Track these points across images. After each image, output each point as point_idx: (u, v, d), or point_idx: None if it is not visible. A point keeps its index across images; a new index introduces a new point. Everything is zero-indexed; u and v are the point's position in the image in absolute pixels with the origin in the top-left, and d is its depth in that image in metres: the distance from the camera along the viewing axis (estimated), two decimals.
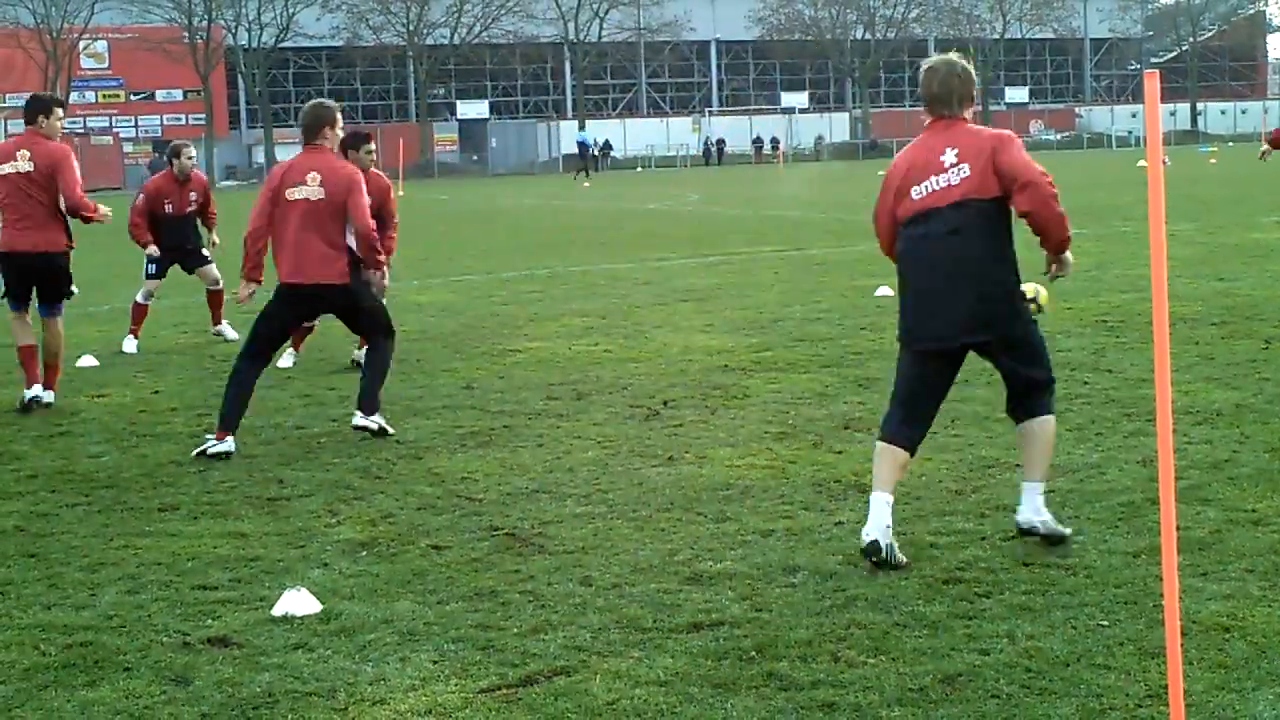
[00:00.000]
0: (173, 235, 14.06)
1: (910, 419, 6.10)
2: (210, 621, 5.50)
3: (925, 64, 6.20)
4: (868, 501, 6.02)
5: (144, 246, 14.01)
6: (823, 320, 13.51)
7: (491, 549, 6.36)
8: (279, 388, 10.91)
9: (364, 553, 6.38)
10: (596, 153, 77.43)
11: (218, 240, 14.47)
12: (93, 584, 6.03)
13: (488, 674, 4.87)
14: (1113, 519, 6.41)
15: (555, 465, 7.98)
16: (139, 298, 14.05)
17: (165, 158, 14.83)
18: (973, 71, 6.17)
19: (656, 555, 6.17)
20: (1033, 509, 6.10)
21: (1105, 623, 5.10)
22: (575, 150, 76.37)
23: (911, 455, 6.12)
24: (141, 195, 14.23)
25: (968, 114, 6.15)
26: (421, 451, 8.46)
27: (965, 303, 5.98)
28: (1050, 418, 6.20)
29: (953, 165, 5.94)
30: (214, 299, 14.25)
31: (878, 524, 5.86)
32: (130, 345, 13.52)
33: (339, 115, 8.90)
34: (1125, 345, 11.26)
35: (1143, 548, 5.94)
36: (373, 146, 11.28)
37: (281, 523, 6.95)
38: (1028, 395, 6.21)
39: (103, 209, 10.52)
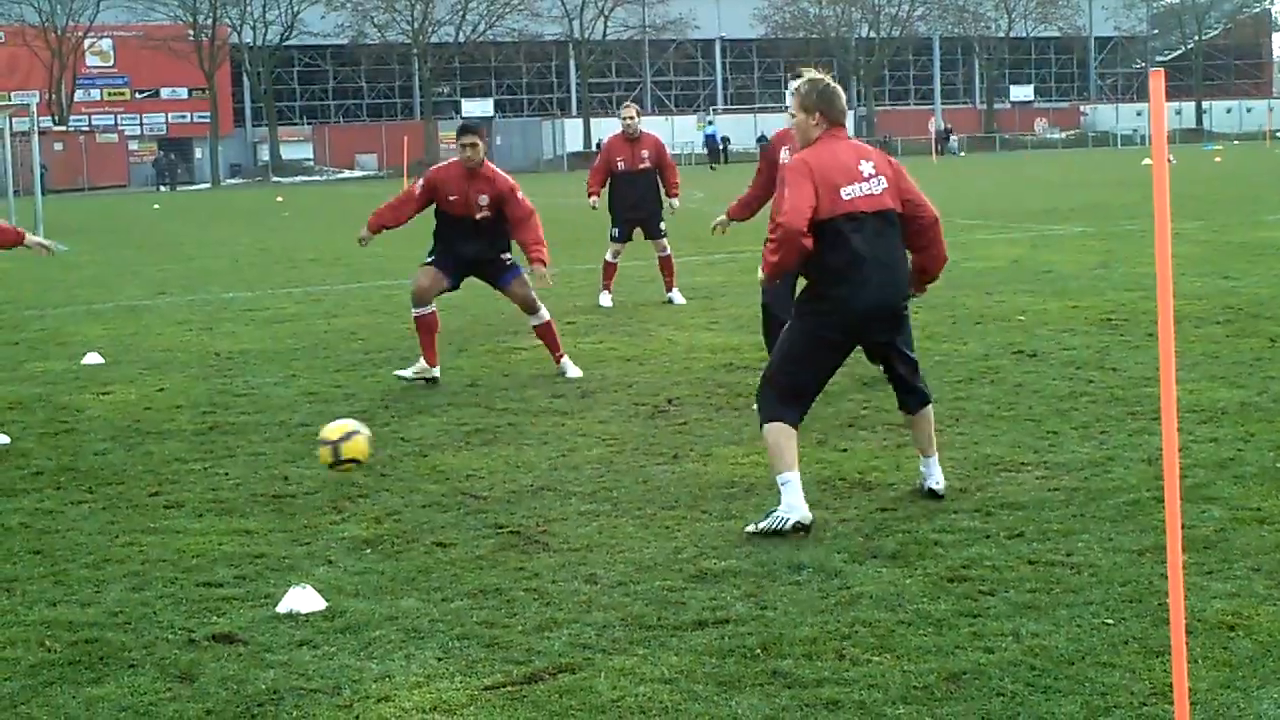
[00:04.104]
0: (628, 193, 15.33)
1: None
2: (215, 618, 5.51)
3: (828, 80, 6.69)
4: (787, 485, 6.41)
5: (589, 196, 15.58)
6: None
7: (496, 546, 6.36)
8: (283, 385, 10.92)
9: (369, 550, 6.39)
10: (721, 145, 77.55)
11: (676, 206, 15.51)
12: (98, 581, 6.04)
13: (493, 671, 4.87)
14: (1118, 517, 6.41)
15: (560, 463, 7.98)
16: (608, 257, 15.50)
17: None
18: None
19: (661, 553, 6.17)
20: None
21: (1110, 621, 5.09)
22: (579, 148, 76.37)
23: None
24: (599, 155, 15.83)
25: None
26: (426, 449, 8.46)
27: None
28: None
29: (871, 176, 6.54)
30: (664, 265, 15.43)
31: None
32: (606, 300, 15.32)
33: None
34: (1130, 343, 11.25)
35: (1147, 546, 5.93)
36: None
37: (287, 520, 6.95)
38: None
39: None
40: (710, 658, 4.91)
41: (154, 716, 4.60)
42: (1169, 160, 3.97)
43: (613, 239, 15.52)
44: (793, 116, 6.68)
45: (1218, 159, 55.41)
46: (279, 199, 51.95)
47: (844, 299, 6.46)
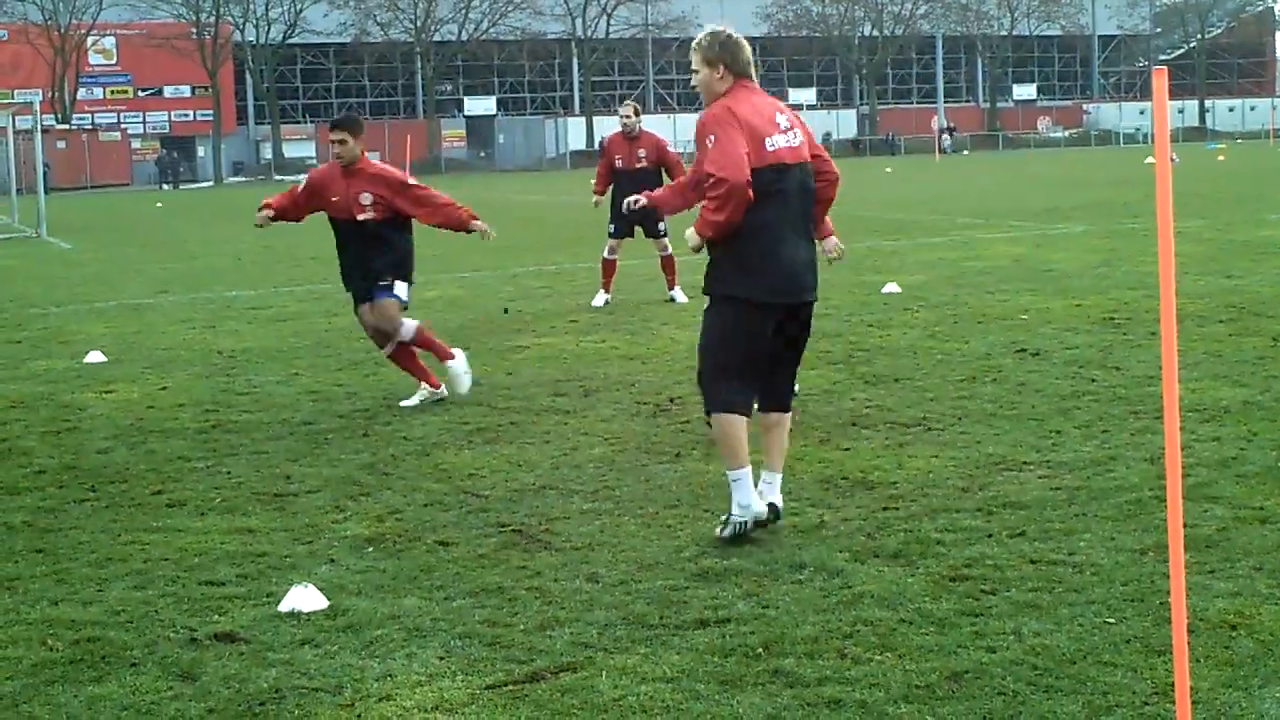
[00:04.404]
0: (627, 191, 15.03)
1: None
2: (217, 617, 5.51)
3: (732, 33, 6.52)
4: (738, 483, 6.24)
5: (594, 193, 15.95)
6: (830, 316, 13.49)
7: (498, 545, 6.36)
8: (286, 383, 10.92)
9: (371, 549, 6.39)
10: None
11: None
12: (100, 580, 6.05)
13: (494, 670, 4.87)
14: (1120, 516, 6.40)
15: (562, 461, 7.99)
16: (605, 253, 15.58)
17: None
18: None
19: (663, 552, 6.17)
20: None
21: (1112, 620, 5.09)
22: (581, 146, 76.26)
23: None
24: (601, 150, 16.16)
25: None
26: (429, 447, 8.47)
27: None
28: None
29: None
30: (665, 264, 15.57)
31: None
32: (599, 300, 15.41)
33: None
34: (1133, 342, 11.25)
35: (1150, 545, 5.93)
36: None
37: (289, 519, 6.96)
38: None
39: None
40: (712, 657, 4.91)
41: (156, 715, 4.60)
42: (1172, 159, 3.96)
43: (609, 234, 15.53)
44: (695, 73, 6.44)
45: (1221, 158, 55.38)
46: None
47: (770, 255, 6.18)
